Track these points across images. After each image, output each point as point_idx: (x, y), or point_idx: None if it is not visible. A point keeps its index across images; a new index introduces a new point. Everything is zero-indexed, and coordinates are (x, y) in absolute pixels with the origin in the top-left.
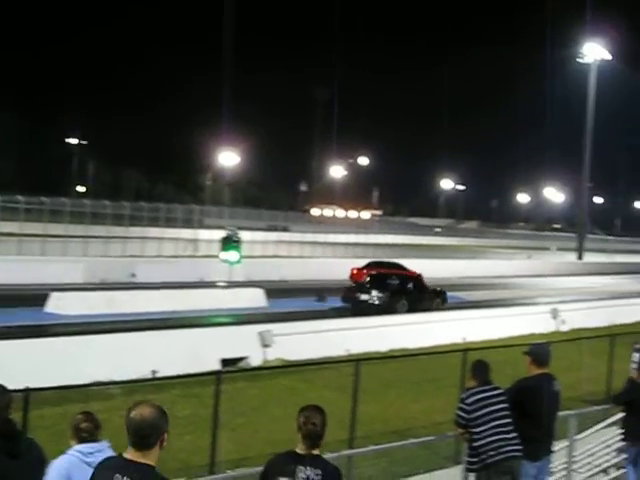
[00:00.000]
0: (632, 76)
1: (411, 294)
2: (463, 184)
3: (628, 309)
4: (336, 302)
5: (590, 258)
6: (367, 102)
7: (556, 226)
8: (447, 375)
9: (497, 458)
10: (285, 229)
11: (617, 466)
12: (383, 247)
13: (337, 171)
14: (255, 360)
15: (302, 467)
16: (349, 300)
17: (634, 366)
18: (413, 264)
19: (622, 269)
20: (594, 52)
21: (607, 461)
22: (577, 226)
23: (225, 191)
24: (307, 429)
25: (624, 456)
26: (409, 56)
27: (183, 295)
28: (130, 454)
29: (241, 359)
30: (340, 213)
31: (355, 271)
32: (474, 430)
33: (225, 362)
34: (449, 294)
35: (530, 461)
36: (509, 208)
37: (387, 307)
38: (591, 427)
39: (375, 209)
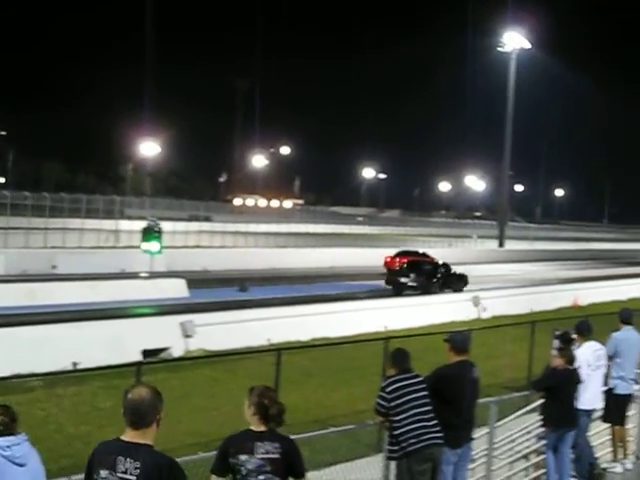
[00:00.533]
0: (551, 64)
1: (441, 277)
2: (385, 173)
3: (549, 296)
4: (259, 292)
5: (511, 245)
6: (288, 92)
7: (477, 214)
8: (369, 363)
9: (418, 446)
10: (207, 219)
11: (537, 452)
12: (305, 236)
13: (259, 161)
14: (177, 351)
15: (260, 443)
16: (392, 283)
17: (554, 352)
18: (335, 253)
19: (543, 256)
20: (514, 41)
21: (528, 447)
22: (498, 214)
23: (146, 181)
24: (262, 407)
25: (544, 442)
26: (330, 45)
27: (104, 286)
28: (128, 436)
29: (163, 350)
30: (262, 203)
31: (389, 259)
32: (394, 418)
33: (146, 353)
34: (370, 283)
35: (451, 448)
36: (431, 196)
37: (423, 288)
38: (512, 414)
39: (297, 198)
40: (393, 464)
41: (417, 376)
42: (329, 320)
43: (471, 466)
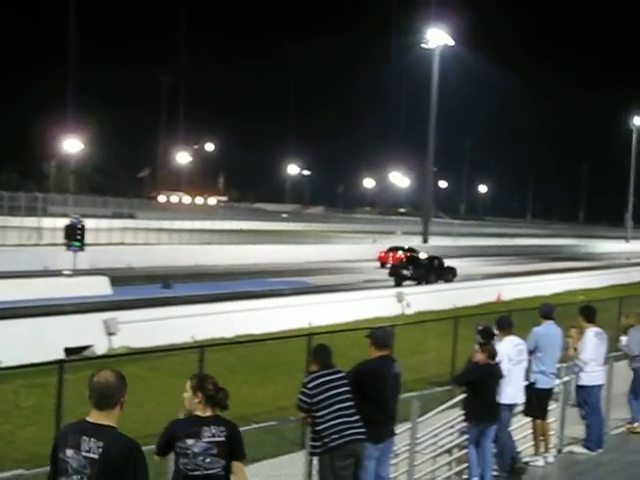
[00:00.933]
0: (475, 61)
1: (436, 269)
2: (309, 169)
3: (472, 291)
4: (183, 289)
5: (435, 242)
6: (212, 88)
7: (401, 210)
8: (293, 360)
9: (340, 441)
10: (131, 216)
11: (460, 446)
12: (229, 233)
13: (183, 157)
14: (100, 348)
15: (207, 427)
16: (394, 275)
17: (476, 347)
18: (260, 250)
19: (467, 252)
20: (437, 38)
21: (451, 442)
22: (422, 210)
23: (70, 179)
24: (208, 392)
25: (466, 437)
26: (254, 42)
27: (27, 284)
28: (93, 417)
29: (86, 348)
30: (186, 200)
31: (382, 254)
32: (317, 414)
33: (69, 351)
34: (295, 279)
35: (373, 443)
36: (355, 193)
37: (421, 279)
38: (435, 408)
39: (221, 195)
40: (316, 460)
41: (339, 372)
42: (253, 317)
43: (394, 461)
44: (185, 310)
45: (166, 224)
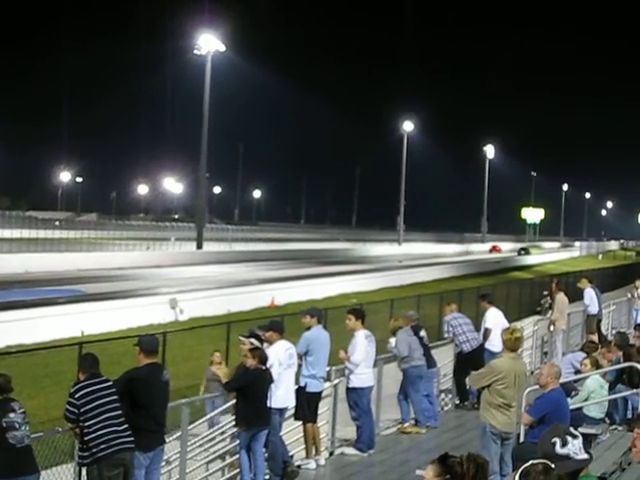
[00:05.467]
0: (250, 67)
1: None
2: (82, 176)
3: (246, 297)
4: None
5: (210, 247)
6: None
7: (176, 216)
8: (66, 369)
9: (109, 451)
10: None
11: (232, 452)
12: (1, 242)
13: None
14: None
15: (13, 403)
16: None
17: (247, 352)
18: (32, 258)
19: (241, 257)
20: (209, 43)
21: (223, 447)
22: (196, 216)
23: None
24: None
25: (238, 442)
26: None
27: None
28: None
29: None
30: None
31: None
32: (85, 424)
33: None
34: (69, 287)
35: (142, 452)
36: (128, 199)
37: None
38: (207, 415)
39: None
40: (85, 470)
41: (106, 380)
42: (25, 326)
43: (167, 468)
44: None
45: None
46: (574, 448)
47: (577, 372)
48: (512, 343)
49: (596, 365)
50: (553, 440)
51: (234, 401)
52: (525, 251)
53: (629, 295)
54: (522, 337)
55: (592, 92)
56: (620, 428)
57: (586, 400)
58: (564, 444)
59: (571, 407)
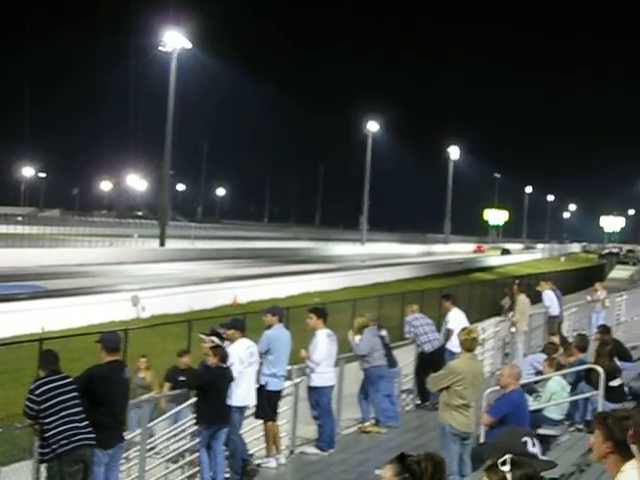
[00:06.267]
0: (215, 64)
1: None
2: (45, 172)
3: (209, 294)
4: None
5: (173, 245)
6: None
7: (139, 213)
8: (25, 366)
9: (69, 447)
10: None
11: (192, 450)
12: None
13: None
14: None
15: None
16: None
17: (208, 350)
18: None
19: (204, 255)
20: (175, 40)
21: (183, 445)
22: (159, 213)
23: None
24: None
25: (198, 440)
26: None
27: None
28: None
29: None
30: None
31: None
32: (45, 420)
33: None
34: (30, 283)
35: (102, 449)
36: (92, 196)
37: None
38: (167, 412)
39: None
40: (44, 467)
41: (66, 377)
42: None
43: (127, 466)
44: None
45: None
46: (539, 449)
47: (538, 373)
48: (469, 343)
49: (558, 367)
50: (524, 439)
51: (194, 399)
52: (506, 251)
53: (589, 298)
54: (478, 337)
55: (557, 96)
56: (580, 426)
57: (549, 401)
58: (534, 444)
59: (531, 408)
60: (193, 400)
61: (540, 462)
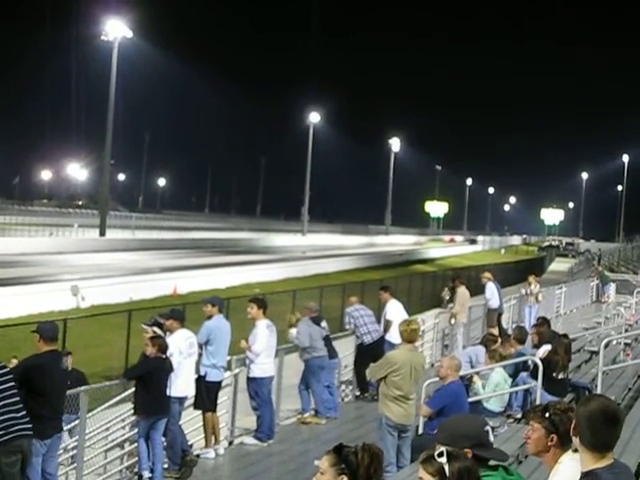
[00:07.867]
0: (158, 53)
1: None
2: None
3: (149, 285)
4: None
5: (113, 235)
6: None
7: (79, 203)
8: None
9: (6, 437)
10: None
11: (131, 440)
12: None
13: None
14: None
15: None
16: None
17: (147, 341)
18: None
19: (145, 245)
20: (116, 29)
21: (122, 435)
22: (99, 203)
23: None
24: None
25: (137, 430)
26: None
27: None
28: None
29: None
30: None
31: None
32: None
33: None
34: None
35: (40, 439)
36: (32, 185)
37: None
38: (106, 402)
39: None
40: None
41: (4, 367)
42: None
43: (65, 456)
44: None
45: None
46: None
47: (472, 365)
48: (409, 335)
49: (500, 358)
50: (486, 428)
51: (133, 389)
52: (473, 241)
53: (523, 292)
54: (419, 329)
55: (496, 90)
56: (519, 416)
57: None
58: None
59: (471, 400)
60: (132, 390)
61: (499, 452)
